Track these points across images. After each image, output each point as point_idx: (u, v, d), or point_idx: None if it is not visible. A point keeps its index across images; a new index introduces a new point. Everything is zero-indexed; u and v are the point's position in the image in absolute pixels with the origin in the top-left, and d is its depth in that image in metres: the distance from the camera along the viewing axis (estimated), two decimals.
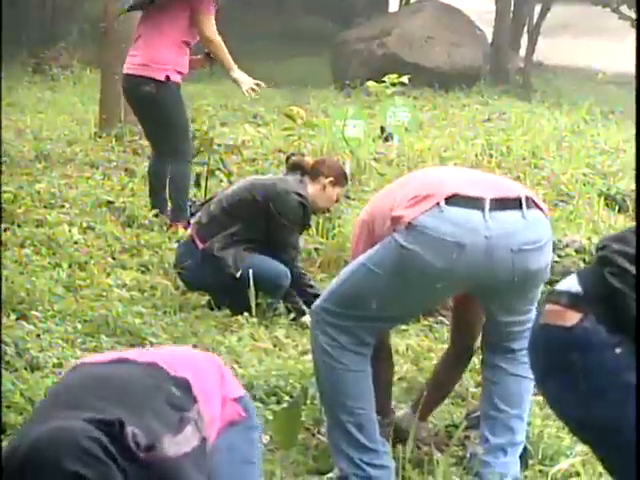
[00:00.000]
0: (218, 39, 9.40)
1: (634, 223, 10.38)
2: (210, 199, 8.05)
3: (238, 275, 7.44)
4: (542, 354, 3.58)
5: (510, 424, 5.36)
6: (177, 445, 3.17)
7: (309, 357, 5.60)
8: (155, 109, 9.72)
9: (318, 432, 5.65)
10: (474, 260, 4.99)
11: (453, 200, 4.99)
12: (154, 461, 3.10)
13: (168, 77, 9.54)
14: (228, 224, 7.60)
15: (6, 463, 3.11)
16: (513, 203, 5.09)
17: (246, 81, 9.45)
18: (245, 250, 7.57)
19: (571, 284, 3.49)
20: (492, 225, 5.00)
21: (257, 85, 9.50)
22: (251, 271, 7.30)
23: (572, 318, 3.42)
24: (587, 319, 3.40)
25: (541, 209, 5.16)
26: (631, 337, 3.34)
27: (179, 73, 9.56)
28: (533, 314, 5.23)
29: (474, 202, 5.03)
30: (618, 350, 3.37)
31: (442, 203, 4.96)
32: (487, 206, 5.01)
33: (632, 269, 3.35)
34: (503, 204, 5.08)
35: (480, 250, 4.97)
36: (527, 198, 5.11)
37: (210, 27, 9.43)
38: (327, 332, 5.19)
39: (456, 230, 4.96)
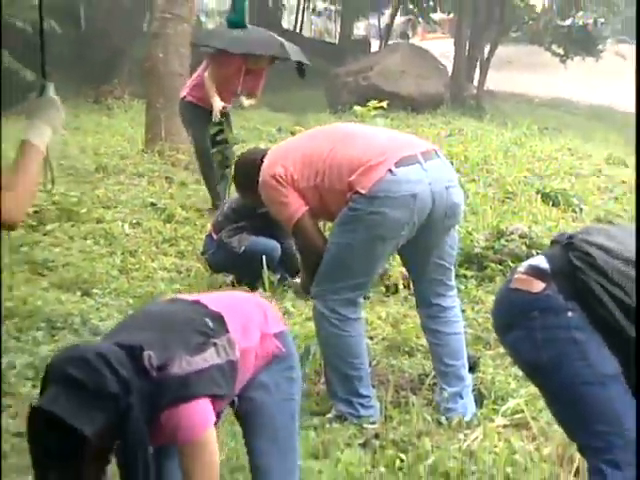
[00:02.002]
0: (209, 83, 9.37)
1: (566, 214, 10.25)
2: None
3: (241, 251, 7.45)
4: (508, 310, 3.66)
5: (459, 373, 5.40)
6: (189, 363, 3.13)
7: (311, 323, 5.57)
8: None
9: (318, 382, 5.63)
10: (424, 203, 5.01)
11: (398, 161, 5.00)
12: (164, 378, 3.07)
13: (185, 96, 9.66)
14: (235, 220, 7.60)
15: None
16: (432, 153, 5.19)
17: (217, 106, 9.34)
18: (246, 233, 7.57)
19: (540, 261, 3.57)
20: (431, 173, 5.05)
21: (224, 108, 9.38)
22: (264, 256, 7.33)
23: (538, 286, 3.50)
24: (550, 288, 3.48)
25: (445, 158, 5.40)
26: (583, 304, 3.41)
27: (194, 96, 9.59)
28: (453, 274, 5.52)
29: (412, 159, 5.05)
30: (570, 313, 3.44)
31: (393, 168, 4.97)
32: (421, 160, 5.06)
33: (591, 251, 3.44)
34: (428, 155, 5.14)
35: (427, 194, 5.01)
36: (437, 149, 5.30)
37: (208, 74, 9.42)
38: (333, 308, 5.17)
39: (409, 185, 4.97)
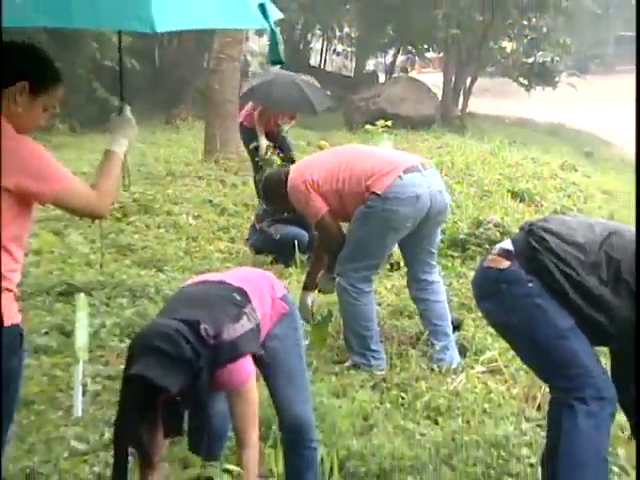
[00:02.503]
0: (258, 122, 9.28)
1: (530, 208, 10.17)
2: None
3: (277, 237, 7.49)
4: (483, 283, 3.69)
5: (446, 331, 5.43)
6: (234, 330, 3.17)
7: (333, 294, 5.57)
8: None
9: (339, 338, 5.63)
10: (424, 203, 5.07)
11: (406, 169, 5.08)
12: (219, 344, 3.11)
13: (242, 122, 9.59)
14: (272, 213, 7.62)
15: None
16: (427, 164, 5.26)
17: (262, 145, 9.22)
18: (281, 223, 7.55)
19: (507, 245, 3.61)
20: (428, 179, 5.12)
21: (267, 145, 9.27)
22: (294, 239, 7.35)
23: (505, 264, 3.53)
24: (514, 265, 3.50)
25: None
26: (540, 278, 3.44)
27: (248, 122, 9.48)
28: (435, 258, 5.55)
29: (414, 168, 5.11)
30: (530, 284, 3.46)
31: (401, 174, 5.04)
32: (421, 169, 5.12)
33: (546, 236, 3.47)
34: (425, 165, 5.21)
35: (427, 196, 5.07)
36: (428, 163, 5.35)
37: (257, 114, 9.32)
38: (353, 284, 5.22)
39: (413, 188, 5.03)
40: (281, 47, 4.36)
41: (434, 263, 5.49)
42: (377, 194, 5.03)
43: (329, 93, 10.27)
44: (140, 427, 3.03)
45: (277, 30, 4.19)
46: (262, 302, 3.41)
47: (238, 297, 3.31)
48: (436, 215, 5.20)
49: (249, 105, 9.71)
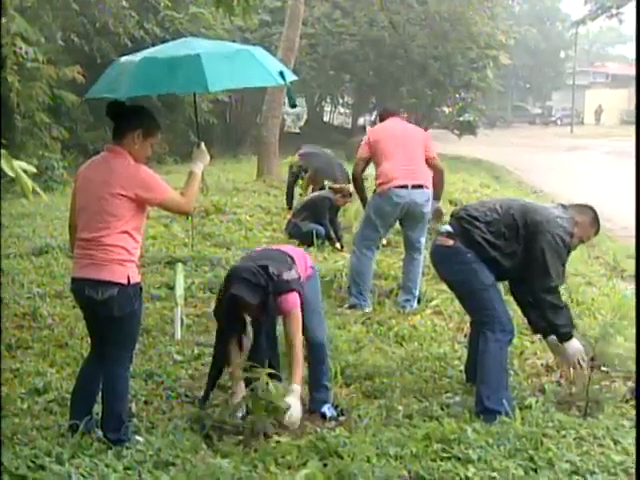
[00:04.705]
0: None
1: (459, 207, 9.94)
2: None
3: (305, 230, 7.34)
4: (437, 256, 3.60)
5: (412, 290, 5.31)
6: (289, 275, 3.25)
7: (344, 260, 5.50)
8: None
9: (341, 292, 5.52)
10: (402, 208, 5.09)
11: (397, 185, 5.05)
12: (280, 280, 3.20)
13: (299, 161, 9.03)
14: (300, 213, 7.50)
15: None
16: (419, 184, 5.09)
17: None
18: (306, 220, 7.43)
19: (449, 228, 3.52)
20: (410, 193, 5.06)
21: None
22: (314, 231, 7.25)
23: (450, 242, 3.45)
24: (456, 242, 3.42)
25: (427, 187, 5.17)
26: (474, 250, 3.37)
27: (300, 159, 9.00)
28: (423, 240, 5.35)
29: (403, 185, 5.06)
30: (469, 255, 3.39)
31: (392, 188, 5.05)
32: (409, 187, 5.06)
33: (471, 220, 3.41)
34: (415, 186, 5.08)
35: (405, 204, 5.07)
36: (423, 183, 5.14)
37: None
38: (360, 249, 5.27)
39: (398, 197, 5.05)
40: (295, 97, 4.66)
41: (418, 246, 5.32)
42: (378, 194, 5.16)
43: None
44: (237, 328, 3.25)
45: (292, 88, 4.43)
46: (301, 267, 3.41)
47: (289, 259, 3.37)
48: (414, 216, 5.16)
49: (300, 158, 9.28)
